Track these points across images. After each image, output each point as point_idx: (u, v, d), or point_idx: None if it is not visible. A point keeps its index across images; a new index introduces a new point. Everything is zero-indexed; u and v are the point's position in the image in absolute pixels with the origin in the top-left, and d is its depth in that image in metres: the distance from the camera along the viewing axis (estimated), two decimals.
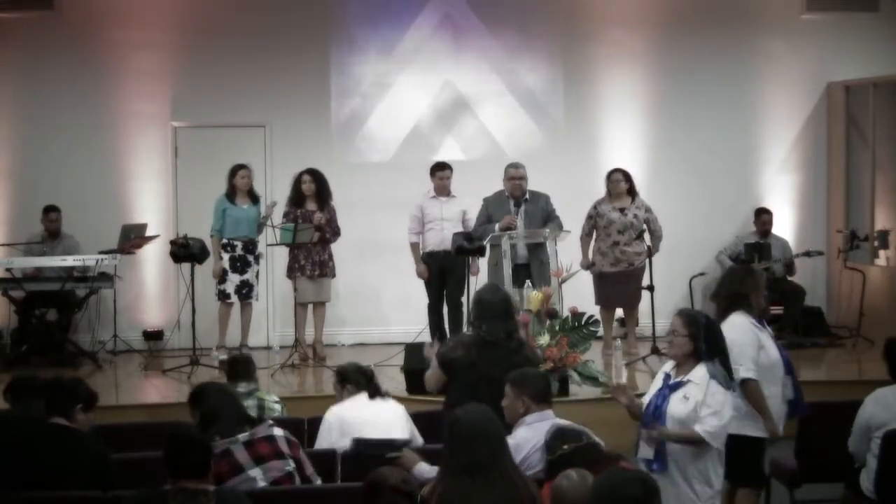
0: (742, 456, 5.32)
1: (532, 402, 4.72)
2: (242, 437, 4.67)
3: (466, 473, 3.87)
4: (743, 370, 5.30)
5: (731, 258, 10.14)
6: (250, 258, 9.32)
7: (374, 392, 5.67)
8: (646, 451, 4.86)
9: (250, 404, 6.03)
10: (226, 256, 9.21)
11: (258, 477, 4.63)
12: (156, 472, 4.19)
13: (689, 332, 4.91)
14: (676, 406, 4.83)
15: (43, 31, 10.20)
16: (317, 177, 9.32)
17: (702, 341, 4.89)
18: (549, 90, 10.70)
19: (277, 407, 6.25)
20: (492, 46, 10.60)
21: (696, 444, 4.80)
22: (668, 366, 5.07)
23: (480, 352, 5.34)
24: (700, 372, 4.86)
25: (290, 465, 4.75)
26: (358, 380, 5.69)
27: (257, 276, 9.42)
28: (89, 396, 5.04)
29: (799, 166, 10.99)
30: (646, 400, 5.04)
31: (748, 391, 5.34)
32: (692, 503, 4.80)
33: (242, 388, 6.16)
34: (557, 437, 4.40)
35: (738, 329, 5.40)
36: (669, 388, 4.91)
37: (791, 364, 5.66)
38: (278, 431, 4.81)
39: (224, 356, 8.64)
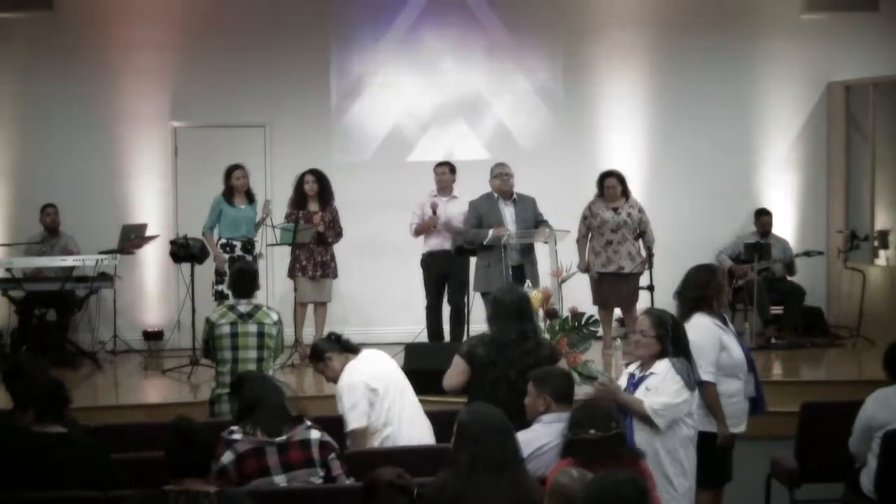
0: (703, 453, 5.38)
1: (553, 401, 4.71)
2: (280, 439, 4.58)
3: (494, 470, 3.85)
4: (702, 372, 5.35)
5: (731, 258, 10.15)
6: (249, 258, 9.30)
7: (357, 347, 5.70)
8: None
9: (251, 330, 6.20)
10: (225, 257, 9.18)
11: (281, 484, 4.54)
12: (156, 472, 4.18)
13: (657, 333, 4.95)
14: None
15: (43, 31, 10.19)
16: (319, 177, 9.30)
17: (669, 342, 4.92)
18: (549, 90, 10.70)
19: (274, 331, 6.32)
20: (492, 46, 10.60)
21: (640, 418, 4.82)
22: (633, 366, 5.11)
23: (498, 352, 5.32)
24: (662, 365, 4.91)
25: (319, 474, 4.64)
26: (333, 346, 5.66)
27: None
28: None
29: (799, 166, 10.98)
30: None
31: (706, 393, 5.40)
32: (675, 501, 4.80)
33: (243, 306, 6.28)
34: (587, 418, 4.31)
35: (702, 331, 5.46)
36: (634, 385, 4.97)
37: (753, 362, 5.73)
38: (315, 434, 4.69)
39: None
